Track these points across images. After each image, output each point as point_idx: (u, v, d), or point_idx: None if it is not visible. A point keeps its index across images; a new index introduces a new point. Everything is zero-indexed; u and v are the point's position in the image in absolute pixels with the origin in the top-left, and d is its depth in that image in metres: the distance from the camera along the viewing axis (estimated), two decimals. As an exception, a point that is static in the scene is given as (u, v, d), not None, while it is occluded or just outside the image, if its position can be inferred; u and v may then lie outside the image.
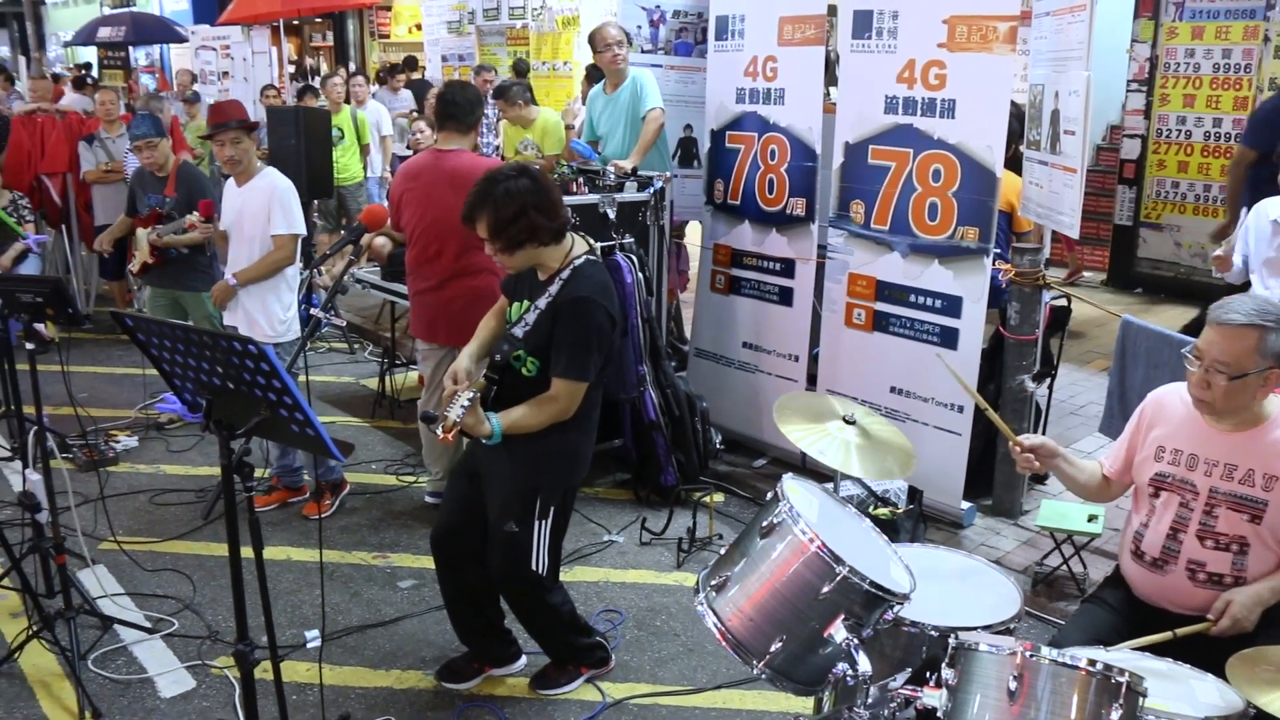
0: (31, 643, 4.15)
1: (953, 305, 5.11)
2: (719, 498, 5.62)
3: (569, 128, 7.52)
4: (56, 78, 16.14)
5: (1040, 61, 5.24)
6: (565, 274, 3.55)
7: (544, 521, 3.65)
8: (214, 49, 13.64)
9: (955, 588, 3.20)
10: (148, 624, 4.46)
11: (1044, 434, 5.72)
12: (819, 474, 4.65)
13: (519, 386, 3.56)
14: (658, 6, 6.92)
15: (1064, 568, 4.69)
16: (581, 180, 5.78)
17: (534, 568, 3.67)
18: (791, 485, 2.84)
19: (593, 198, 5.58)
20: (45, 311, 4.33)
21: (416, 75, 14.76)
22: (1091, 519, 4.58)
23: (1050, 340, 5.57)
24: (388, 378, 7.22)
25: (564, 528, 3.81)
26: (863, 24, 5.28)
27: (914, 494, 4.99)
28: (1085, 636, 3.08)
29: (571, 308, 3.49)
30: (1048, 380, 5.57)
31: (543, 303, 3.54)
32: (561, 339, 3.49)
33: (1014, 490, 5.33)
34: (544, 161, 7.16)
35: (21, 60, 23.62)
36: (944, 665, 2.43)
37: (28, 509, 4.16)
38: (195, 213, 5.94)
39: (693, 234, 7.13)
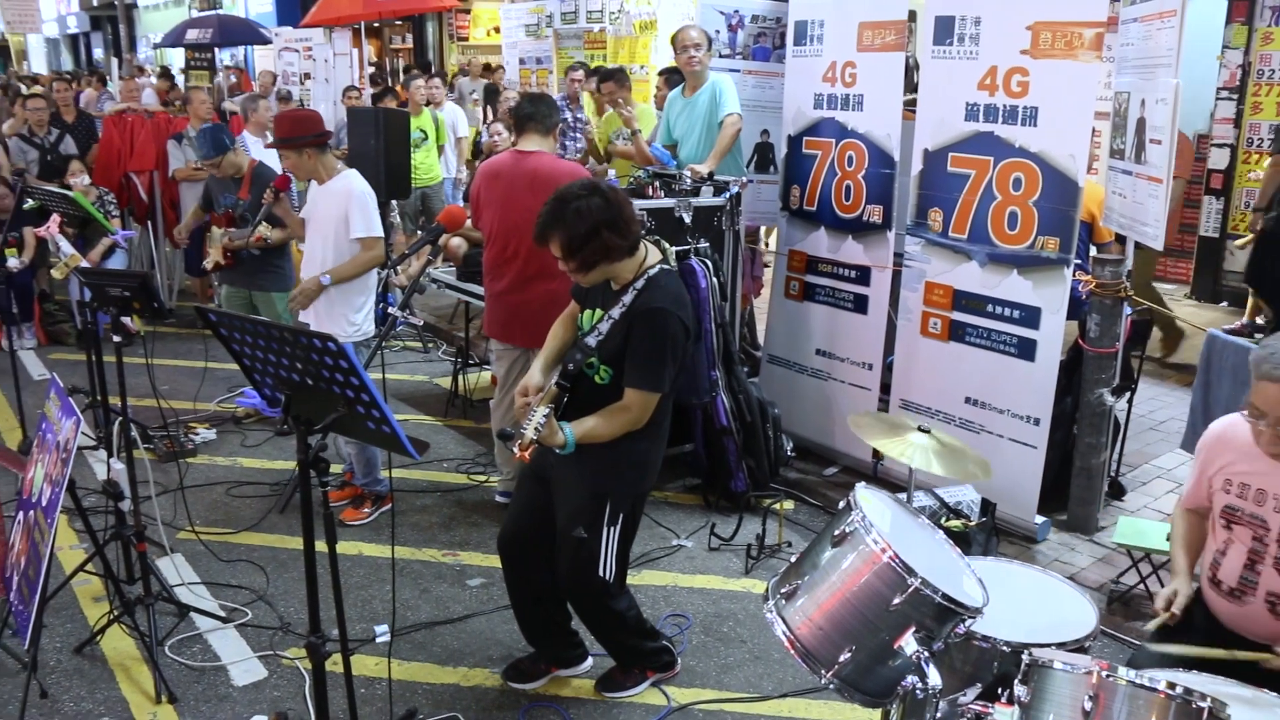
0: (112, 627, 4.27)
1: (1031, 316, 5.03)
2: (789, 505, 5.58)
3: (635, 132, 7.51)
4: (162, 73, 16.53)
5: (1126, 68, 5.15)
6: (639, 284, 3.53)
7: (613, 528, 3.65)
8: (296, 50, 13.87)
9: (1028, 603, 3.15)
10: (222, 613, 4.55)
11: (1122, 449, 5.65)
12: (892, 484, 4.61)
13: (591, 394, 3.56)
14: (736, 11, 6.90)
15: (1141, 587, 4.59)
16: (657, 184, 5.78)
17: (601, 573, 3.67)
18: (864, 494, 2.81)
19: (668, 202, 5.58)
20: (132, 305, 4.44)
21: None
22: (1170, 537, 4.48)
23: (1131, 354, 5.46)
24: (461, 377, 7.28)
25: (632, 534, 3.81)
26: (944, 30, 5.22)
27: (987, 506, 4.91)
28: (1164, 659, 3.00)
29: (646, 318, 3.48)
30: (1127, 394, 5.47)
31: (616, 312, 3.53)
32: (635, 349, 3.48)
33: (1090, 505, 5.23)
34: (633, 148, 7.16)
35: (114, 61, 24.24)
36: (1016, 682, 2.39)
37: (111, 497, 4.28)
38: (268, 190, 5.99)
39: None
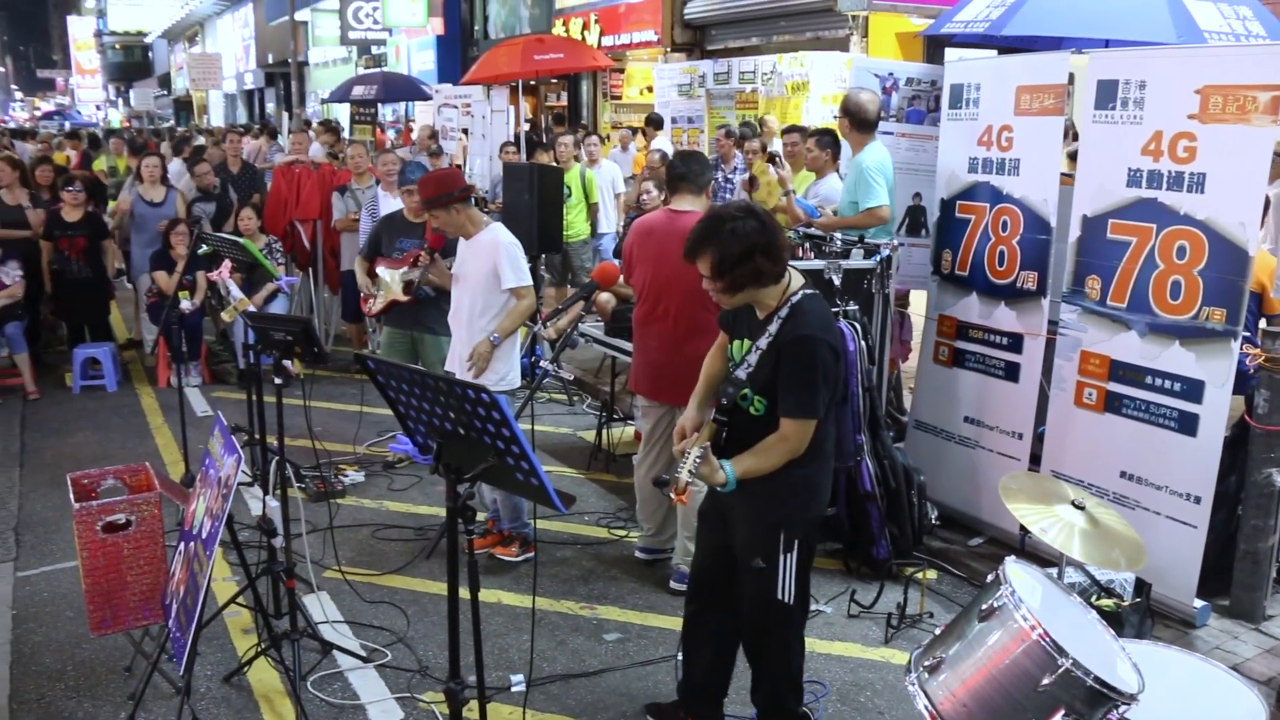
0: (259, 659, 4.41)
1: (1193, 389, 4.83)
2: (932, 575, 5.45)
3: (789, 191, 7.51)
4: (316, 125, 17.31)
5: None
6: (784, 312, 3.51)
7: (789, 555, 3.62)
8: (455, 106, 14.32)
9: (1187, 693, 3.01)
10: (363, 653, 4.66)
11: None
12: (1041, 558, 4.46)
13: (748, 426, 3.55)
14: (890, 74, 6.89)
15: (1312, 682, 4.32)
16: (808, 245, 5.76)
17: (780, 596, 3.63)
18: (1014, 569, 2.74)
19: (818, 264, 5.56)
20: (294, 349, 4.63)
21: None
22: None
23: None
24: (605, 431, 7.34)
25: (810, 559, 3.77)
26: (1107, 94, 5.11)
27: (1141, 586, 4.71)
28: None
29: (795, 346, 3.45)
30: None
31: (764, 343, 3.51)
32: (787, 378, 3.45)
33: (1256, 591, 4.97)
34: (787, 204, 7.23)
35: (285, 115, 25.47)
36: (1175, 776, 2.28)
37: (265, 533, 4.43)
38: (423, 253, 6.16)
39: (916, 303, 7.00)
